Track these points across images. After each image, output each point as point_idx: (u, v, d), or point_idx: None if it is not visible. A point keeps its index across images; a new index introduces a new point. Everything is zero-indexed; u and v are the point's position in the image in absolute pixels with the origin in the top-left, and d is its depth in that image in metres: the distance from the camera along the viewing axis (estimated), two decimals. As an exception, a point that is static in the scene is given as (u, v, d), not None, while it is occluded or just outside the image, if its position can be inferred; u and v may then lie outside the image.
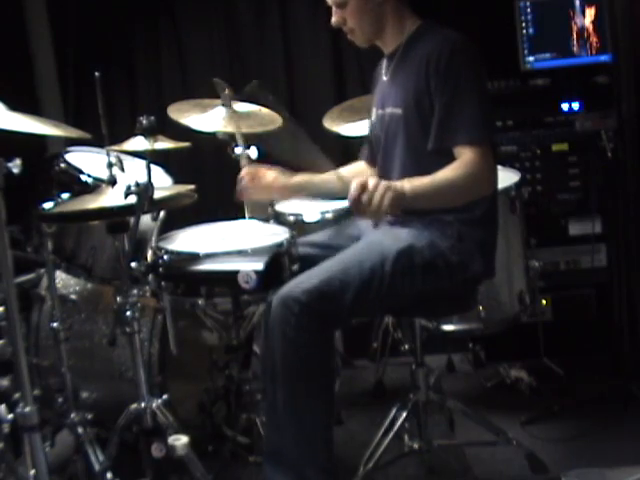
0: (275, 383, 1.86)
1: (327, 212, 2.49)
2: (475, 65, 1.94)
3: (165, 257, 2.03)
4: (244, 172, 2.27)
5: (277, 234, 2.11)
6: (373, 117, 2.19)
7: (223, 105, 2.53)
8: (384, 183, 1.77)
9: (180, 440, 1.99)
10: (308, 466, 1.85)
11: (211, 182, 3.38)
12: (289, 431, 1.85)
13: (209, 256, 2.00)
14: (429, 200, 1.90)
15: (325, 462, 1.88)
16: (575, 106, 3.03)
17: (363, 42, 2.10)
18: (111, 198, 1.93)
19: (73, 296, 2.43)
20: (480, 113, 1.91)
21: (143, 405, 2.07)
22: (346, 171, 2.28)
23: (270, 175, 2.25)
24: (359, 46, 2.12)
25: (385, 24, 2.05)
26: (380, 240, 1.99)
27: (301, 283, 1.86)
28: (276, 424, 1.89)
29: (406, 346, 2.94)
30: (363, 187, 1.76)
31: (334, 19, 2.07)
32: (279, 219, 2.53)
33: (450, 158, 1.91)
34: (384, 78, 2.14)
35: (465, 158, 1.89)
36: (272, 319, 1.85)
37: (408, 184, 1.84)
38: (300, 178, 2.25)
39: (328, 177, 2.17)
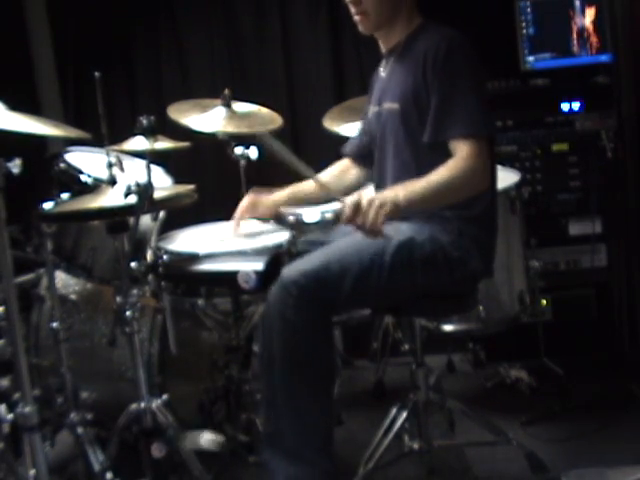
0: (272, 367, 1.86)
1: (327, 212, 2.48)
2: (472, 62, 1.94)
3: (165, 257, 2.03)
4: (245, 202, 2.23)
5: (277, 234, 2.11)
6: (369, 114, 2.19)
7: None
8: (377, 201, 1.75)
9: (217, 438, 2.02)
10: (306, 448, 1.85)
11: (211, 182, 3.38)
12: (286, 414, 1.85)
13: (209, 256, 2.00)
14: (425, 203, 1.88)
15: (324, 444, 1.88)
16: (575, 106, 3.03)
17: (372, 27, 2.05)
18: (111, 198, 1.93)
19: (73, 296, 2.43)
20: (476, 108, 1.90)
21: (143, 405, 2.07)
22: (328, 174, 2.31)
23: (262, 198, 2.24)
24: (363, 32, 2.06)
25: (399, 14, 2.03)
26: None
27: (300, 266, 1.86)
28: (273, 407, 1.88)
29: (406, 346, 2.94)
30: (356, 208, 1.75)
31: None
32: (279, 219, 2.52)
33: (447, 152, 1.90)
34: (382, 74, 2.14)
35: (460, 154, 1.87)
36: (270, 301, 1.84)
37: (402, 192, 1.81)
38: (284, 194, 2.25)
39: (310, 188, 2.20)
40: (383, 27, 2.06)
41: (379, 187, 2.13)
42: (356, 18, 2.05)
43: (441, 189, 1.86)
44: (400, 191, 1.81)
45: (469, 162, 1.86)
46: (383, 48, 2.13)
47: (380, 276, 1.89)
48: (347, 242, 1.96)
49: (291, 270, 1.85)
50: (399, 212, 1.80)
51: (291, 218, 2.47)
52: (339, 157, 2.35)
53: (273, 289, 1.84)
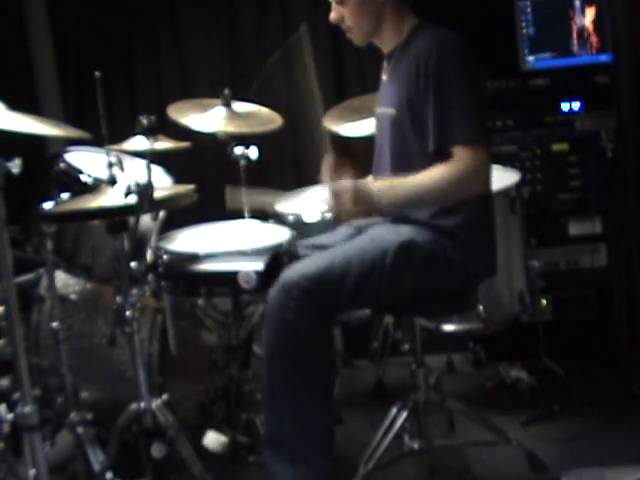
0: (273, 367, 1.87)
1: (327, 212, 2.48)
2: (466, 65, 1.92)
3: (165, 257, 2.03)
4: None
5: (277, 234, 2.11)
6: (376, 113, 2.20)
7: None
8: (354, 198, 1.90)
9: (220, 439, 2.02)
10: (307, 449, 1.86)
11: (211, 182, 3.38)
12: (287, 415, 1.86)
13: (209, 256, 2.00)
14: (411, 203, 1.95)
15: (324, 445, 1.89)
16: (575, 106, 3.03)
17: (360, 41, 2.08)
18: (111, 198, 1.93)
19: (73, 296, 2.43)
20: (472, 113, 1.89)
21: (143, 405, 2.07)
22: None
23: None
24: (357, 44, 2.10)
25: (383, 24, 2.04)
26: (383, 234, 2.00)
27: (301, 269, 1.87)
28: (274, 408, 1.89)
29: (406, 346, 2.94)
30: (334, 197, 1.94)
31: (333, 15, 2.05)
32: (279, 219, 2.52)
33: (444, 158, 1.90)
34: (384, 77, 2.15)
35: (457, 158, 1.88)
36: (270, 303, 1.85)
37: (387, 195, 1.92)
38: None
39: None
40: (371, 38, 2.08)
41: None
42: (347, 34, 2.08)
43: (427, 189, 1.90)
44: (385, 193, 1.92)
45: (461, 168, 1.87)
46: (383, 52, 2.13)
47: (381, 277, 1.90)
48: (349, 245, 1.98)
49: (292, 272, 1.86)
50: (372, 202, 1.93)
51: (291, 218, 2.48)
52: (339, 157, 2.34)
53: (273, 291, 1.85)
